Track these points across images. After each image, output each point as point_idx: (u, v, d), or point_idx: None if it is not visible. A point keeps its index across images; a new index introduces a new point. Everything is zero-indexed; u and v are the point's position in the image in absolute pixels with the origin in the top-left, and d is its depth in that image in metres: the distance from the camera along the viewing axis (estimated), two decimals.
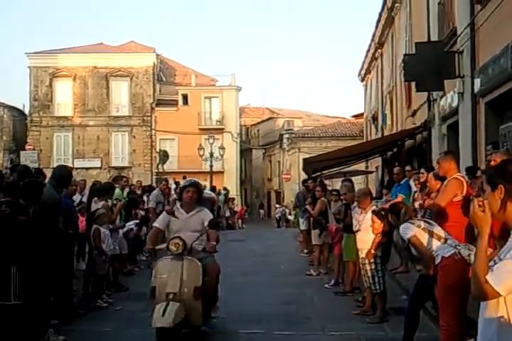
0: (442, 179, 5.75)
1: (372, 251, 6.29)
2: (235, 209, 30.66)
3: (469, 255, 4.16)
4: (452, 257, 4.30)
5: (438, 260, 4.37)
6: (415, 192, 8.00)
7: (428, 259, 4.46)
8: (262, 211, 43.25)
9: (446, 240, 4.46)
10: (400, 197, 8.32)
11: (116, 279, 8.30)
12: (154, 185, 16.92)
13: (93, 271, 7.33)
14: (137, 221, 9.94)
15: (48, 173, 14.51)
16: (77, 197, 8.64)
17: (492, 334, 2.17)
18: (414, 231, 4.54)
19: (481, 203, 2.19)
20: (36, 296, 5.23)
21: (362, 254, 6.51)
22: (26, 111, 38.14)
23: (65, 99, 36.93)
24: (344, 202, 8.29)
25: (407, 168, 10.14)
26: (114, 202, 8.80)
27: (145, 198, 11.69)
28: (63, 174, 6.27)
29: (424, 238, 4.49)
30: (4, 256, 4.61)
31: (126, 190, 11.99)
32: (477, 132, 9.03)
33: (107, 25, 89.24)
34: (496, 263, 2.16)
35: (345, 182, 8.43)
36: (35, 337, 5.30)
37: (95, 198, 8.00)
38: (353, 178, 16.41)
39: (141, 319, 6.57)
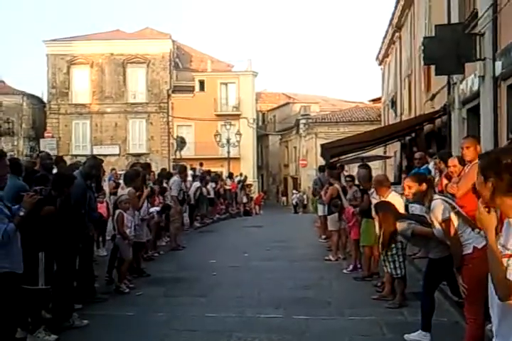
0: (464, 163, 5.72)
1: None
2: (252, 195, 30.73)
3: None
4: (485, 249, 4.14)
5: (469, 250, 4.16)
6: (434, 177, 7.93)
7: (456, 246, 4.23)
8: (284, 198, 42.64)
9: (480, 230, 4.23)
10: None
11: (139, 265, 8.42)
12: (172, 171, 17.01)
13: (116, 255, 7.44)
14: (158, 208, 10.01)
15: (68, 161, 14.71)
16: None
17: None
18: (450, 213, 4.30)
19: (485, 204, 2.21)
20: (62, 281, 5.35)
21: (381, 240, 6.49)
22: (45, 99, 38.48)
23: (82, 86, 37.14)
24: (361, 187, 8.28)
25: (431, 150, 10.02)
26: None
27: (165, 184, 11.68)
28: (94, 167, 6.53)
29: (456, 223, 4.28)
30: (32, 242, 4.71)
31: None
32: (498, 116, 8.89)
33: (122, 12, 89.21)
34: (501, 252, 2.15)
35: (361, 169, 8.36)
36: (60, 320, 5.44)
37: (122, 184, 8.11)
38: (371, 163, 16.36)
39: (162, 303, 6.70)
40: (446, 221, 4.31)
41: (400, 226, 5.30)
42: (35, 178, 5.66)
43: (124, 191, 8.02)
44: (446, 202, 4.47)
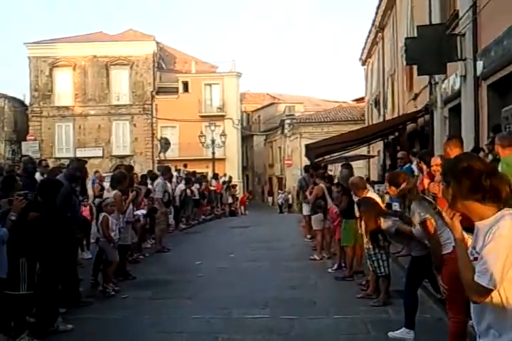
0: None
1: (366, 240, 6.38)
2: (237, 196, 30.72)
3: None
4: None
5: (449, 250, 4.11)
6: (417, 176, 8.01)
7: (436, 247, 4.24)
8: (270, 198, 42.28)
9: None
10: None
11: (125, 268, 8.37)
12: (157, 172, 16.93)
13: (101, 258, 7.39)
14: (144, 211, 9.96)
15: (51, 164, 14.54)
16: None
17: (490, 321, 2.19)
18: (430, 213, 4.31)
19: (449, 211, 2.26)
20: (46, 285, 5.30)
21: (365, 239, 6.55)
22: (27, 102, 38.06)
23: (65, 88, 36.80)
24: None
25: (415, 150, 10.11)
26: None
27: (150, 186, 11.66)
28: (78, 169, 6.41)
29: (435, 223, 4.30)
30: (14, 248, 4.67)
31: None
32: (479, 115, 9.00)
33: (105, 14, 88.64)
34: (473, 255, 2.20)
35: (343, 169, 8.46)
36: (45, 325, 5.38)
37: (108, 187, 8.05)
38: (354, 163, 16.47)
39: (148, 306, 6.67)
40: (425, 221, 4.34)
41: (385, 223, 5.36)
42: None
43: (110, 194, 7.97)
44: (427, 201, 4.53)
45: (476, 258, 2.18)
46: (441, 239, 4.27)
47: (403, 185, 4.65)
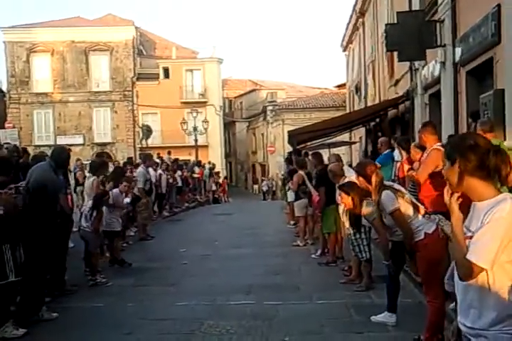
0: (423, 149, 5.87)
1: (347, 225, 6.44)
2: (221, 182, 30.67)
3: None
4: (435, 234, 4.22)
5: (421, 236, 4.22)
6: (398, 162, 8.09)
7: (408, 234, 4.28)
8: (256, 186, 41.76)
9: (429, 215, 4.35)
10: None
11: (118, 255, 8.41)
12: (139, 161, 16.84)
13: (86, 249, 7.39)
14: (128, 200, 9.95)
15: (31, 151, 14.37)
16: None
17: (472, 300, 2.24)
18: (399, 203, 4.36)
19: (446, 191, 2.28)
20: (31, 274, 5.28)
21: (347, 224, 6.62)
22: (4, 88, 37.36)
23: (43, 74, 36.18)
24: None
25: (396, 135, 10.19)
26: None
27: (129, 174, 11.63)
28: (63, 156, 6.24)
29: (409, 211, 4.34)
30: None
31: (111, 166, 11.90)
32: (458, 101, 9.11)
33: None
34: (465, 234, 2.23)
35: (312, 158, 8.52)
36: (29, 314, 5.38)
37: (88, 174, 8.07)
38: (336, 149, 16.55)
39: (132, 294, 6.70)
40: (396, 211, 4.34)
41: (366, 209, 5.39)
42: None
43: (89, 181, 7.97)
44: (395, 189, 4.52)
45: (470, 237, 2.20)
46: (412, 226, 4.30)
47: (373, 178, 4.55)
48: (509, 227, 2.12)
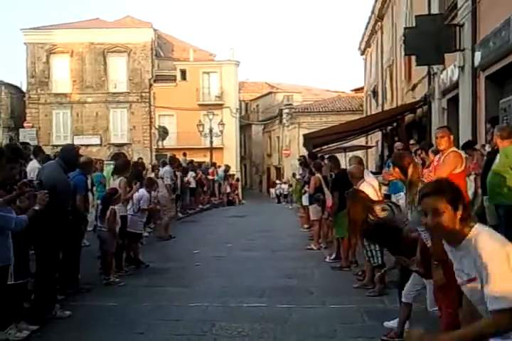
0: (437, 153, 5.85)
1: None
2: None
3: None
4: None
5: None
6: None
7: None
8: (272, 190, 38.78)
9: None
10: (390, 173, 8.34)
11: (136, 256, 8.46)
12: (154, 162, 16.97)
13: (102, 248, 7.43)
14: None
15: (48, 151, 14.51)
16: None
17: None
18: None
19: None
20: (44, 273, 5.32)
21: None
22: (24, 89, 37.86)
23: (62, 75, 36.61)
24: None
25: (411, 141, 10.16)
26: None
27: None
28: (72, 155, 6.23)
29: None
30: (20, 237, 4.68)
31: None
32: (477, 106, 9.02)
33: (102, 0, 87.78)
34: (461, 278, 2.14)
35: (329, 161, 8.48)
36: (43, 311, 5.42)
37: (114, 175, 8.16)
38: (353, 153, 16.47)
39: (146, 294, 6.72)
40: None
41: (382, 213, 5.27)
42: None
43: (115, 182, 8.00)
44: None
45: (470, 280, 2.12)
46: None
47: (410, 170, 4.36)
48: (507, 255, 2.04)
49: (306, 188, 10.80)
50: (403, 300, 4.72)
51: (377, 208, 5.33)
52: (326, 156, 11.56)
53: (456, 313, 4.15)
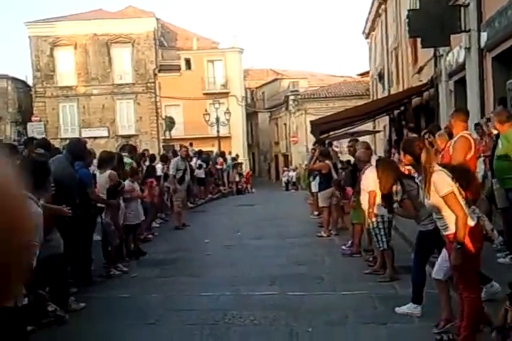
0: (450, 136, 5.80)
1: (370, 210, 6.35)
2: (243, 174, 30.61)
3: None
4: (477, 227, 4.01)
5: (451, 230, 3.98)
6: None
7: (463, 219, 3.88)
8: (284, 178, 37.14)
9: (471, 207, 4.09)
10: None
11: (135, 247, 8.48)
12: (164, 152, 17.00)
13: (106, 241, 7.47)
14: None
15: (56, 144, 14.56)
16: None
17: None
18: (453, 186, 3.95)
19: None
20: (55, 266, 5.36)
21: (367, 212, 6.55)
22: (29, 82, 37.91)
23: (67, 68, 36.56)
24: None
25: (411, 125, 10.08)
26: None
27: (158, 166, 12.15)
28: (78, 148, 6.22)
29: (460, 198, 3.96)
30: None
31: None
32: (484, 88, 8.92)
33: None
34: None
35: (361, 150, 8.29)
36: (58, 305, 5.47)
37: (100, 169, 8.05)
38: (361, 138, 16.39)
39: (157, 284, 6.77)
40: (450, 193, 3.93)
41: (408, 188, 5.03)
42: None
43: (103, 175, 7.91)
44: (447, 174, 4.09)
45: None
46: (441, 220, 4.08)
47: (423, 156, 4.07)
48: None
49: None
50: (435, 276, 4.65)
51: (406, 183, 5.01)
52: (350, 139, 11.31)
53: (480, 299, 4.13)
